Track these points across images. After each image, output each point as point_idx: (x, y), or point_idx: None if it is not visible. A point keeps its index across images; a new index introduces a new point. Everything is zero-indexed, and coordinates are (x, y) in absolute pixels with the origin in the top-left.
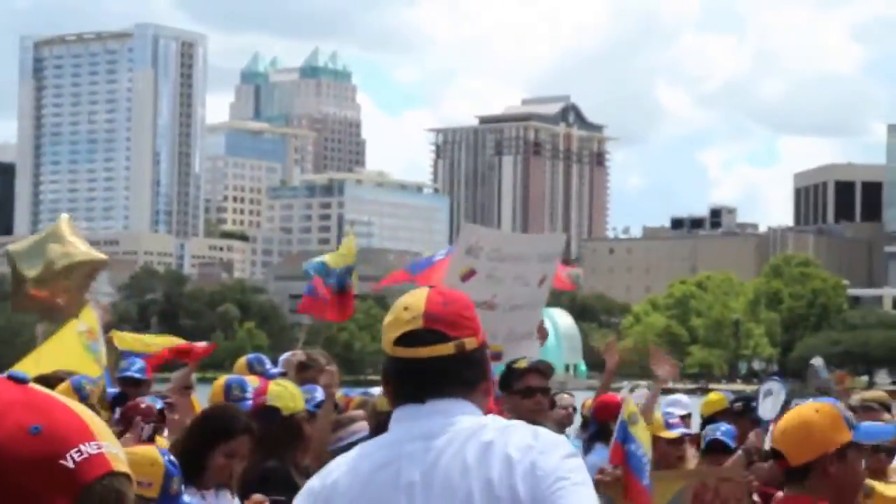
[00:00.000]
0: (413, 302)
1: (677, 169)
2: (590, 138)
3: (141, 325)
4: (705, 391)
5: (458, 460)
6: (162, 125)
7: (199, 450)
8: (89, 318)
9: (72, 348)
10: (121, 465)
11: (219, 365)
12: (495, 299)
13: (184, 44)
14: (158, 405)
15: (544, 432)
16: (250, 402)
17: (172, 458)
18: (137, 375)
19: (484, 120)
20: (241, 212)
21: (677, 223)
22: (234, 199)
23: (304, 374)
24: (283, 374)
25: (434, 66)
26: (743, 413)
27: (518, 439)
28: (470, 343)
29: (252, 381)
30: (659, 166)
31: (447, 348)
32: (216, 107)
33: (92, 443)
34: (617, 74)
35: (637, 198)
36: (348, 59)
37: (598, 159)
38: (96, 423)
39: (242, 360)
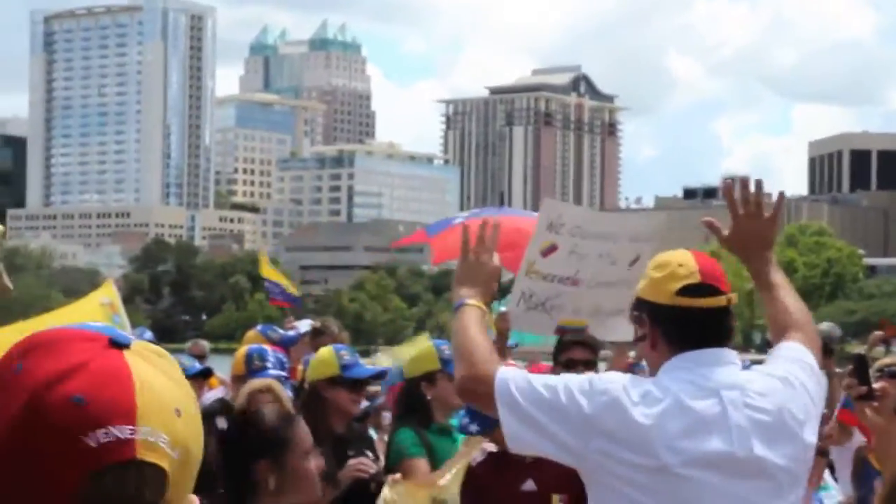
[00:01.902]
0: (684, 260)
1: (690, 138)
2: (601, 108)
3: (153, 297)
4: None
5: (765, 400)
6: (172, 98)
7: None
8: (111, 293)
9: (95, 317)
10: (151, 455)
11: (231, 335)
12: (578, 275)
13: (193, 16)
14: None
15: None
16: (271, 371)
17: None
18: None
19: (494, 91)
20: (252, 183)
21: (690, 193)
22: (245, 170)
23: (317, 340)
24: (297, 341)
25: (444, 36)
26: None
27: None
28: (733, 299)
29: (241, 351)
30: (671, 136)
31: (721, 300)
32: (226, 79)
33: (127, 427)
34: (628, 43)
35: (649, 168)
36: (357, 31)
37: (610, 129)
38: (151, 405)
39: (253, 332)
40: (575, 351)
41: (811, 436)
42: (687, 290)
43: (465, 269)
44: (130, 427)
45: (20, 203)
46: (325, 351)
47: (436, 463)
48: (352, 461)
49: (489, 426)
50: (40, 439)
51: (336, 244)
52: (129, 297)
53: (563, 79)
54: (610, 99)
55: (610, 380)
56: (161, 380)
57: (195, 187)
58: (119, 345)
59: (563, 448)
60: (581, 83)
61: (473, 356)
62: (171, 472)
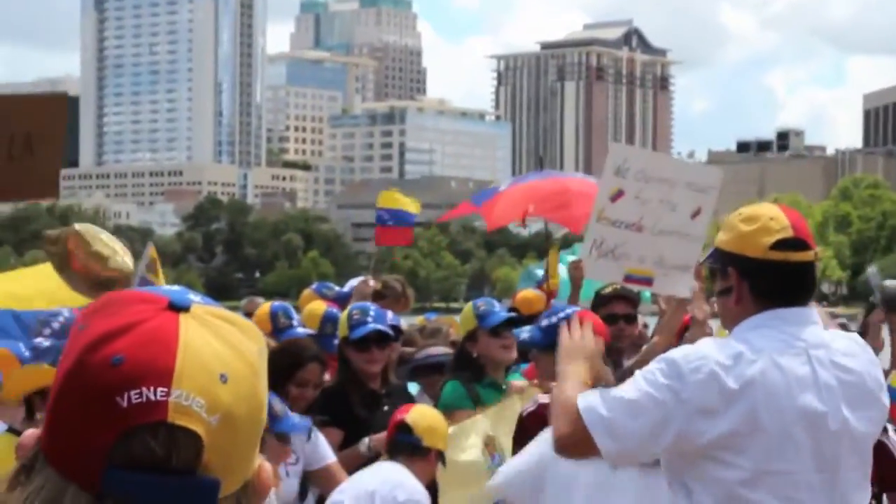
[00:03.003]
0: (775, 214)
1: (743, 92)
2: (653, 62)
3: (206, 255)
4: None
5: (850, 360)
6: (223, 56)
7: (272, 383)
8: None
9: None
10: (182, 419)
11: (284, 293)
12: (642, 221)
13: None
14: None
15: None
16: (298, 329)
17: None
18: None
19: (546, 46)
20: (303, 141)
21: (743, 146)
22: (296, 128)
23: (379, 301)
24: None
25: None
26: None
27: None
28: (819, 254)
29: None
30: (724, 89)
31: (811, 255)
32: (276, 36)
33: (160, 388)
34: None
35: (702, 122)
36: None
37: (662, 84)
38: (191, 369)
39: (308, 290)
40: (616, 305)
41: (887, 399)
42: (781, 245)
43: (567, 348)
44: (164, 389)
45: (73, 162)
46: (344, 313)
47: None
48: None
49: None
50: (80, 396)
51: None
52: (182, 255)
53: (615, 33)
54: (662, 53)
55: (699, 355)
56: (213, 344)
57: (247, 145)
58: (177, 307)
59: (666, 446)
60: (633, 37)
61: (565, 408)
62: (208, 438)
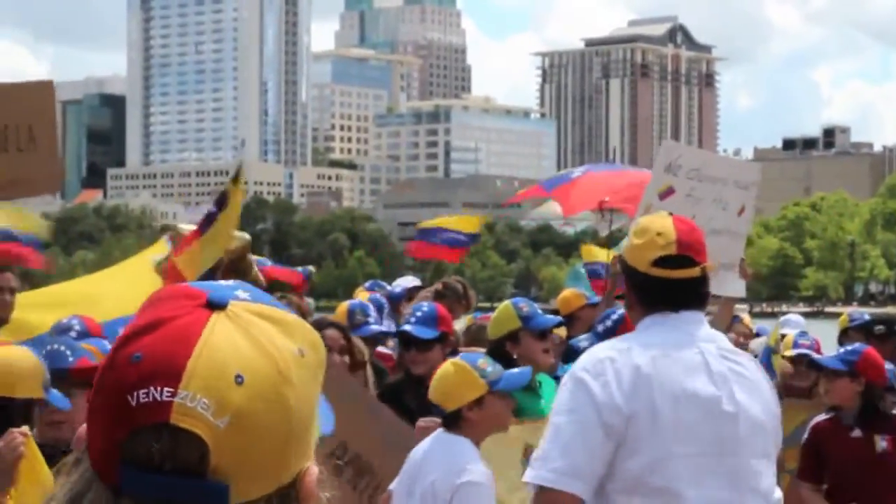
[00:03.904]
0: (663, 229)
1: (788, 88)
2: (698, 59)
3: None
4: (820, 314)
5: (738, 357)
6: (268, 54)
7: None
8: (165, 250)
9: (140, 277)
10: (185, 420)
11: (331, 293)
12: (694, 220)
13: None
14: None
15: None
16: (374, 327)
17: None
18: None
19: (590, 42)
20: (349, 140)
21: (789, 144)
22: (342, 127)
23: (440, 302)
24: (403, 297)
25: None
26: (888, 336)
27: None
28: (708, 267)
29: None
30: (769, 86)
31: (695, 272)
32: (321, 34)
33: (167, 388)
34: None
35: (747, 118)
36: None
37: (707, 80)
38: (203, 369)
39: (360, 289)
40: None
41: (777, 407)
42: (662, 262)
43: None
44: (170, 389)
45: (120, 162)
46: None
47: (519, 418)
48: (420, 422)
49: None
50: (103, 391)
51: (433, 200)
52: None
53: (660, 29)
54: (707, 49)
55: (594, 360)
56: (237, 343)
57: (292, 144)
58: (214, 304)
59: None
60: (678, 33)
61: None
62: (215, 441)
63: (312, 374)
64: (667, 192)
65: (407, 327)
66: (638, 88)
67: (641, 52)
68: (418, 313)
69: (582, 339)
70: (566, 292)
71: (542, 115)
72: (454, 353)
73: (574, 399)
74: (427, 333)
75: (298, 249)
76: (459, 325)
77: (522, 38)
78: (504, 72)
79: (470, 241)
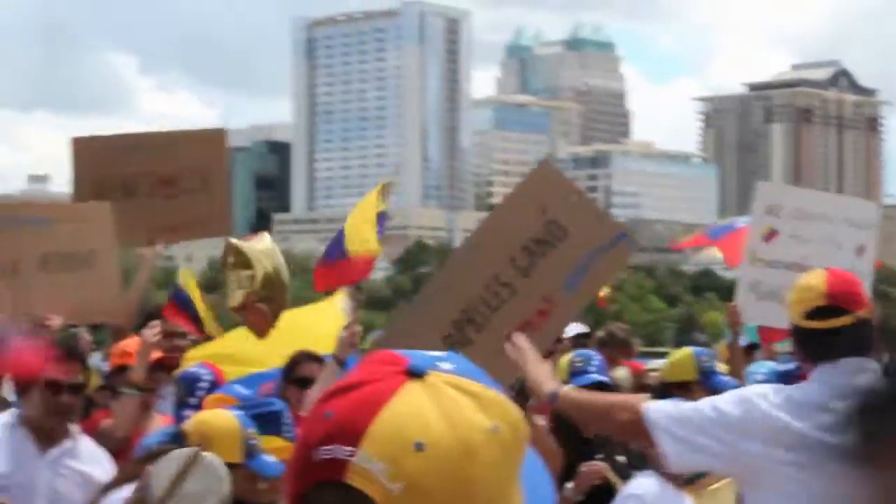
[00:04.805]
0: (814, 282)
1: None
2: (862, 103)
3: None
4: None
5: None
6: (430, 101)
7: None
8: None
9: (327, 322)
10: (359, 481)
11: None
12: (806, 261)
13: (449, 20)
14: None
15: None
16: (593, 375)
17: None
18: None
19: (752, 87)
20: (509, 185)
21: None
22: (502, 172)
23: (602, 349)
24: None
25: (699, 32)
26: None
27: None
28: (862, 315)
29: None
30: None
31: (846, 320)
32: (482, 81)
33: (348, 448)
34: (890, 35)
35: None
36: (612, 30)
37: (871, 124)
38: (384, 434)
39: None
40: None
41: None
42: (814, 314)
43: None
44: (350, 449)
45: (286, 208)
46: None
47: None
48: (583, 467)
49: None
50: (298, 442)
51: None
52: (392, 299)
53: (823, 73)
54: (871, 93)
55: (755, 390)
56: (425, 412)
57: (454, 189)
58: (412, 372)
59: (715, 456)
60: (841, 78)
61: (613, 407)
62: None
63: (507, 452)
64: (770, 235)
65: (600, 377)
66: (801, 133)
67: (804, 97)
68: (595, 362)
69: (761, 370)
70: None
71: (704, 159)
72: None
73: (726, 400)
74: (608, 380)
75: None
76: (621, 373)
77: (683, 83)
78: (664, 116)
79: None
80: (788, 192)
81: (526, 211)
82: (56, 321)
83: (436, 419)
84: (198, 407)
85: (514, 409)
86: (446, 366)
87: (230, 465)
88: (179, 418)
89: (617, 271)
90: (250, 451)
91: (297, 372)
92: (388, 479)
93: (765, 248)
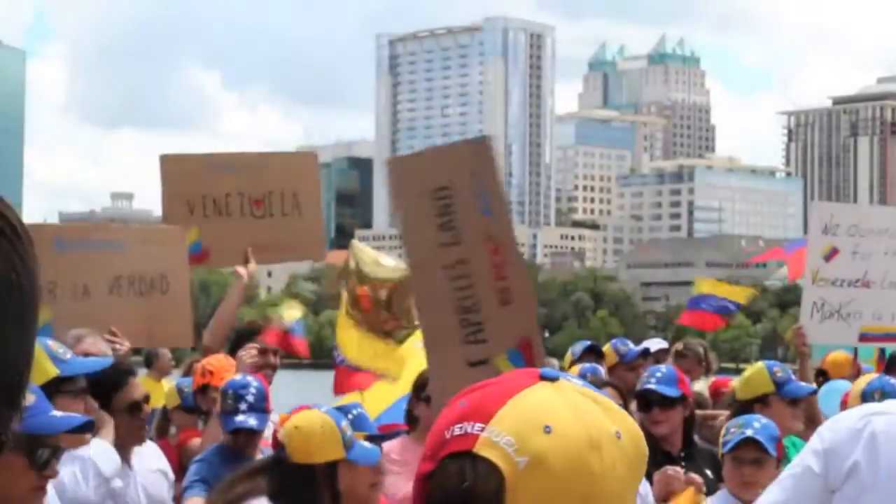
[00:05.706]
0: None
1: None
2: None
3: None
4: None
5: None
6: (513, 116)
7: None
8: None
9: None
10: (487, 451)
11: None
12: (868, 276)
13: (532, 35)
14: None
15: None
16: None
17: None
18: None
19: (837, 101)
20: (592, 200)
21: None
22: (585, 187)
23: (680, 362)
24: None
25: (783, 46)
26: None
27: None
28: None
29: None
30: None
31: None
32: (565, 96)
33: (479, 424)
34: None
35: None
36: (696, 44)
37: None
38: (514, 413)
39: (608, 346)
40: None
41: None
42: None
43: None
44: (481, 425)
45: (367, 224)
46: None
47: None
48: (656, 474)
49: None
50: (431, 432)
51: (677, 260)
52: None
53: None
54: None
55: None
56: (554, 403)
57: (536, 205)
58: (545, 377)
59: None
60: None
61: None
62: (512, 477)
63: (627, 460)
64: (831, 254)
65: (650, 386)
66: (888, 147)
67: (891, 110)
68: (658, 374)
69: (873, 383)
70: (838, 355)
71: (788, 174)
72: (692, 416)
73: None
74: (671, 392)
75: (542, 309)
76: (699, 386)
77: (768, 97)
78: (749, 131)
79: (736, 310)
80: (842, 209)
81: (416, 205)
82: (125, 344)
83: (564, 411)
84: (247, 414)
85: (635, 426)
86: (576, 380)
87: (335, 462)
88: (229, 426)
89: (493, 169)
90: (349, 444)
91: (427, 390)
92: (515, 452)
93: (826, 267)
